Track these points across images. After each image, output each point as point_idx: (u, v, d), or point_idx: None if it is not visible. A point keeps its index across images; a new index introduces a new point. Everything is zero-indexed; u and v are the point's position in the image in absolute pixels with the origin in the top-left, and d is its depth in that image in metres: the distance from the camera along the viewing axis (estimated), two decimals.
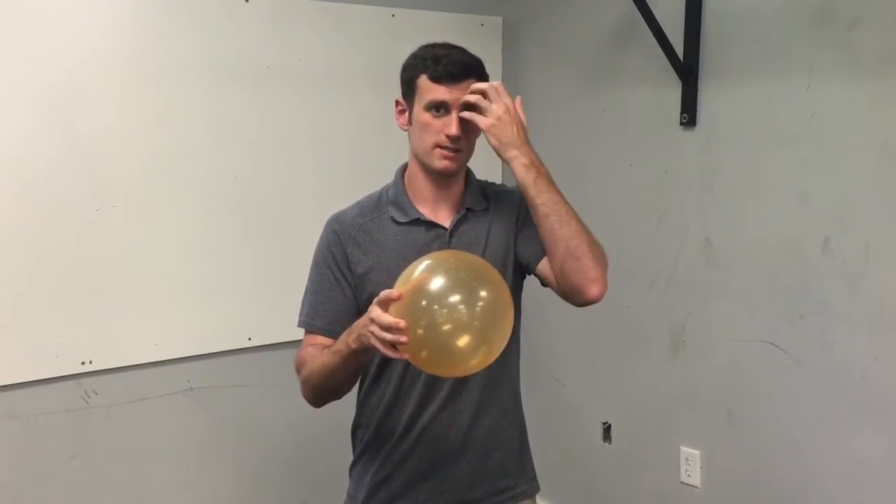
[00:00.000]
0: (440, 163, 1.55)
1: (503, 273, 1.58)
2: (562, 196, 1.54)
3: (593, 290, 1.53)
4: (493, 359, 1.38)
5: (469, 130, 1.54)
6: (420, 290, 1.32)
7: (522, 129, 1.53)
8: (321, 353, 1.54)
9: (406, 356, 1.34)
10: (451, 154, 1.54)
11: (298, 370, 1.60)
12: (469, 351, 1.34)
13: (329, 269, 1.60)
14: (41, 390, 2.28)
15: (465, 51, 1.57)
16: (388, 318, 1.31)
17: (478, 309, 1.33)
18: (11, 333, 2.21)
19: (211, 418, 2.57)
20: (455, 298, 1.32)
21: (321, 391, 1.56)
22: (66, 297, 2.28)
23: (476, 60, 1.57)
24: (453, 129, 1.51)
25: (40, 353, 2.26)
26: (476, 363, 1.37)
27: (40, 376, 2.27)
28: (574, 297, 1.54)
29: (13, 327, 2.22)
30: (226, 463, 2.61)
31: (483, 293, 1.34)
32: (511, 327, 1.40)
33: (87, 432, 2.37)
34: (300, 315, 1.63)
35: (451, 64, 1.52)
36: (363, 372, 1.59)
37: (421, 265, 1.36)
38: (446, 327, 1.31)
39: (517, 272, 1.64)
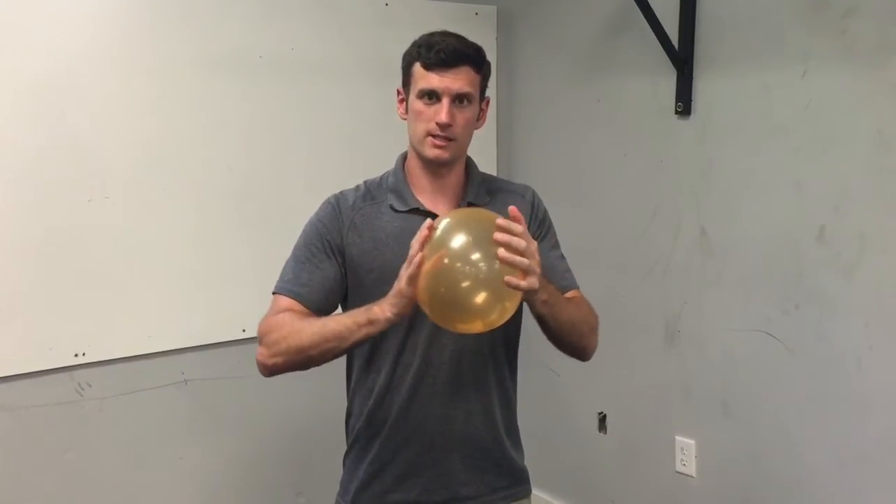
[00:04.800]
0: (431, 151, 1.53)
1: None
2: (562, 301, 1.55)
3: (586, 358, 1.66)
4: (508, 315, 1.39)
5: (461, 119, 1.53)
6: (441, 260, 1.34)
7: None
8: (307, 320, 1.50)
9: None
10: (441, 143, 1.52)
11: (265, 333, 1.53)
12: (485, 303, 1.35)
13: (320, 242, 1.57)
14: (34, 383, 2.27)
15: (463, 39, 1.55)
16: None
17: (497, 266, 1.33)
18: (4, 325, 2.20)
19: (205, 410, 2.56)
20: (476, 255, 1.33)
21: (303, 356, 1.49)
22: (58, 289, 2.27)
23: (473, 48, 1.55)
24: (443, 116, 1.50)
25: (33, 346, 2.25)
26: (496, 317, 1.38)
27: (33, 369, 2.26)
28: (567, 355, 1.64)
29: (5, 319, 2.20)
30: (220, 455, 2.61)
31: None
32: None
33: (81, 425, 2.36)
34: (279, 281, 1.59)
35: (444, 51, 1.50)
36: (354, 356, 1.57)
37: (442, 223, 1.38)
38: (465, 284, 1.33)
39: None
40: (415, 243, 1.36)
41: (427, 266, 1.33)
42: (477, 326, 1.40)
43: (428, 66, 1.51)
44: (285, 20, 2.56)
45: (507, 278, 1.33)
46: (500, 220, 1.35)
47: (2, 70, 2.14)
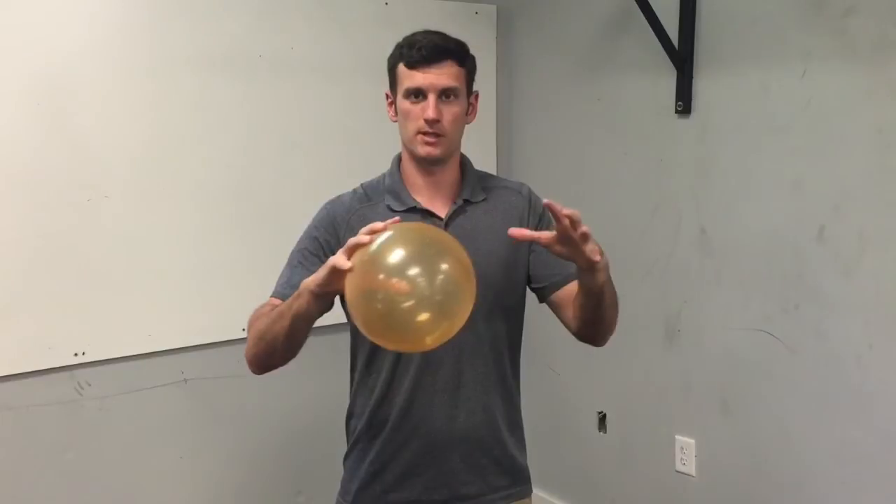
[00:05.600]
0: (423, 149, 1.54)
1: (506, 275, 1.59)
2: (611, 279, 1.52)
3: (604, 343, 1.61)
4: (452, 334, 1.31)
5: (449, 114, 1.53)
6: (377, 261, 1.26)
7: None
8: (271, 311, 1.51)
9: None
10: (431, 139, 1.53)
11: (249, 327, 1.55)
12: (428, 326, 1.27)
13: (314, 246, 1.58)
14: (34, 382, 2.27)
15: (445, 35, 1.56)
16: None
17: (438, 282, 1.27)
18: (3, 325, 2.20)
19: (205, 409, 2.56)
20: (414, 271, 1.26)
21: (264, 343, 1.49)
22: (58, 289, 2.27)
23: (454, 43, 1.55)
24: (430, 113, 1.50)
25: (33, 345, 2.25)
26: (431, 340, 1.30)
27: (33, 368, 2.26)
28: (584, 341, 1.61)
29: (5, 318, 2.20)
30: (220, 454, 2.61)
31: (444, 266, 1.28)
32: (473, 300, 1.32)
33: (81, 424, 2.36)
34: (275, 285, 1.60)
35: (425, 48, 1.51)
36: (304, 333, 1.51)
37: (381, 237, 1.29)
38: (406, 304, 1.24)
39: (525, 279, 1.65)
40: (370, 227, 1.31)
41: (364, 282, 1.28)
42: (432, 345, 1.32)
43: (411, 65, 1.52)
44: (285, 19, 2.56)
45: (588, 249, 1.31)
46: (513, 230, 1.34)
47: (2, 70, 2.14)
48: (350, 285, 1.29)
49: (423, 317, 1.25)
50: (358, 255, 1.29)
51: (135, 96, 2.33)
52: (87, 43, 2.25)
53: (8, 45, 2.15)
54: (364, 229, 1.32)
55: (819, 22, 2.13)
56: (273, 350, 1.50)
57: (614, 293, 1.53)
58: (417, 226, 1.43)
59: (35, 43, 2.18)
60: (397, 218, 1.35)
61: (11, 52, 2.15)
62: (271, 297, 1.60)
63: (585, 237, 1.33)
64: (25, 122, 2.19)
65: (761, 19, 2.26)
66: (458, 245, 1.34)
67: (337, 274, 1.31)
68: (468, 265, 1.32)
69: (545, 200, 1.33)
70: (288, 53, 2.58)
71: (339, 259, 1.30)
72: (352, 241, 1.31)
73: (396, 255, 1.26)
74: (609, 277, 1.46)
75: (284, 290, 1.56)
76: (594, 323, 1.55)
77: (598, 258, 1.36)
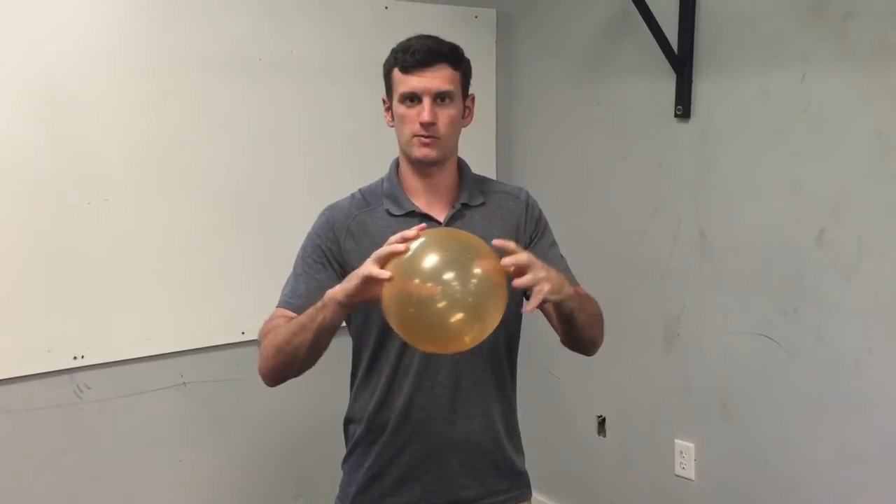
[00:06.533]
0: (419, 151, 1.54)
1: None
2: (583, 297, 1.58)
3: (594, 352, 1.66)
4: (486, 335, 1.37)
5: (445, 117, 1.53)
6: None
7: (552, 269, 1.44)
8: (287, 322, 1.52)
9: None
10: (427, 141, 1.53)
11: (261, 340, 1.56)
12: (462, 327, 1.33)
13: (315, 253, 1.59)
14: (33, 385, 2.27)
15: (439, 39, 1.57)
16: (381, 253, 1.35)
17: (471, 285, 1.32)
18: (2, 328, 2.20)
19: (204, 413, 2.56)
20: (449, 275, 1.31)
21: (283, 355, 1.49)
22: (57, 292, 2.27)
23: (448, 46, 1.56)
24: (425, 116, 1.51)
25: (32, 348, 2.25)
26: (469, 339, 1.35)
27: (32, 371, 2.26)
28: (573, 350, 1.65)
29: (4, 322, 2.20)
30: (219, 457, 2.61)
31: (476, 270, 1.33)
32: (505, 301, 1.37)
33: (80, 427, 2.36)
34: (280, 295, 1.61)
35: (419, 52, 1.52)
36: (327, 345, 1.53)
37: (415, 243, 1.35)
38: (440, 304, 1.30)
39: None
40: (401, 236, 1.36)
41: (404, 287, 1.32)
42: (468, 346, 1.37)
43: (405, 70, 1.53)
44: (285, 22, 2.56)
45: (535, 288, 1.34)
46: (497, 241, 1.37)
47: (2, 73, 2.14)
48: (387, 292, 1.34)
49: (458, 317, 1.31)
50: (393, 263, 1.34)
51: (135, 99, 2.34)
52: (87, 45, 2.25)
53: (9, 47, 2.15)
54: (395, 237, 1.36)
55: (818, 25, 2.13)
56: (293, 361, 1.51)
57: (591, 314, 1.58)
58: (451, 232, 1.48)
59: (35, 46, 2.18)
60: (423, 225, 1.40)
61: (12, 54, 2.15)
62: (278, 307, 1.60)
63: (532, 281, 1.36)
64: (25, 124, 2.19)
65: (761, 22, 2.26)
66: (491, 251, 1.38)
67: (372, 283, 1.35)
68: (501, 269, 1.36)
69: (495, 241, 1.38)
70: (288, 56, 2.58)
71: (372, 269, 1.34)
72: (385, 250, 1.35)
73: (431, 260, 1.33)
74: (579, 303, 1.52)
75: (292, 300, 1.57)
76: (574, 339, 1.60)
77: (547, 297, 1.38)
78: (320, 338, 1.46)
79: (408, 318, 1.33)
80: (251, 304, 2.55)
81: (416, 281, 1.30)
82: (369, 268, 1.35)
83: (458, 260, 1.33)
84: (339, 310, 1.42)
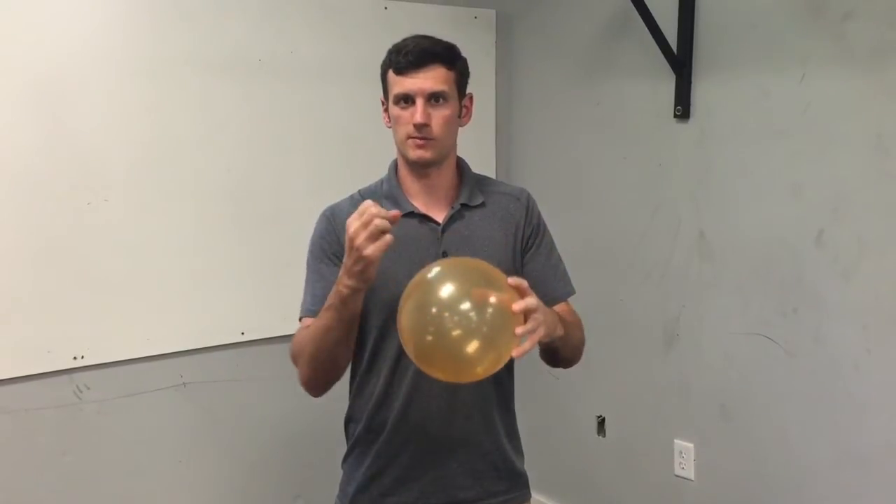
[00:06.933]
0: (414, 152, 1.54)
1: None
2: (569, 328, 1.58)
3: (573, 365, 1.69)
4: (500, 365, 1.37)
5: (439, 118, 1.53)
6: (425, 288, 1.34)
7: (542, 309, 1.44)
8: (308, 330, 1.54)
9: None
10: (421, 142, 1.53)
11: (296, 356, 1.57)
12: (477, 357, 1.33)
13: (322, 255, 1.59)
14: (33, 386, 2.27)
15: (434, 39, 1.56)
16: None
17: (487, 315, 1.32)
18: (2, 328, 2.20)
19: (204, 413, 2.56)
20: (466, 306, 1.32)
21: (318, 362, 1.52)
22: (57, 292, 2.27)
23: (443, 46, 1.56)
24: (418, 117, 1.51)
25: (32, 348, 2.25)
26: (482, 369, 1.36)
27: (32, 371, 2.26)
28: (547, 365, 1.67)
29: (4, 322, 2.20)
30: (219, 458, 2.61)
31: (492, 299, 1.33)
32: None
33: (80, 428, 2.36)
34: (301, 307, 1.62)
35: (412, 53, 1.52)
36: (354, 338, 1.56)
37: (429, 272, 1.36)
38: (455, 333, 1.31)
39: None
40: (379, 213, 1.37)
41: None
42: (481, 375, 1.38)
43: (399, 71, 1.53)
44: (285, 23, 2.57)
45: (519, 330, 1.34)
46: (512, 281, 1.36)
47: (2, 73, 2.14)
48: (403, 318, 1.34)
49: (472, 347, 1.32)
50: (411, 290, 1.35)
51: (135, 100, 2.34)
52: (88, 46, 2.26)
53: (9, 48, 2.15)
54: (369, 212, 1.35)
55: (818, 26, 2.14)
56: (328, 367, 1.53)
57: (574, 346, 1.62)
58: (468, 262, 1.46)
59: (36, 47, 2.18)
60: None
61: (12, 55, 2.15)
62: (301, 318, 1.61)
63: (532, 328, 1.35)
64: (26, 125, 2.19)
65: (760, 23, 2.26)
66: (507, 283, 1.37)
67: (363, 247, 1.35)
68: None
69: (510, 280, 1.36)
70: (288, 57, 2.58)
71: (361, 243, 1.35)
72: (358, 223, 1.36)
73: (447, 290, 1.33)
74: (566, 338, 1.54)
75: (313, 307, 1.58)
76: (551, 361, 1.64)
77: (540, 341, 1.39)
78: (343, 335, 1.49)
79: (422, 346, 1.33)
80: (251, 304, 2.58)
81: (434, 310, 1.31)
82: (358, 246, 1.35)
83: (475, 288, 1.34)
84: (348, 298, 1.42)
